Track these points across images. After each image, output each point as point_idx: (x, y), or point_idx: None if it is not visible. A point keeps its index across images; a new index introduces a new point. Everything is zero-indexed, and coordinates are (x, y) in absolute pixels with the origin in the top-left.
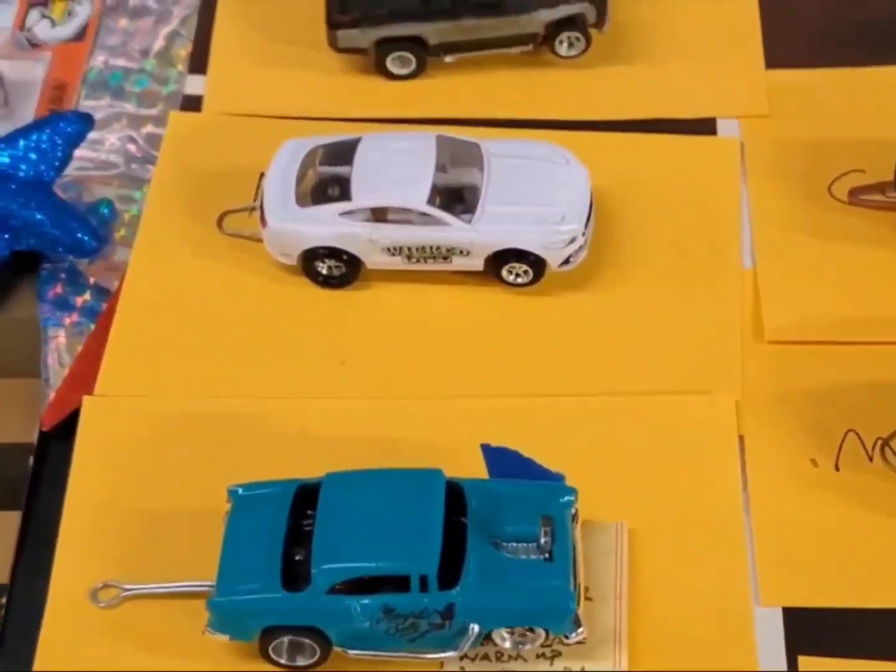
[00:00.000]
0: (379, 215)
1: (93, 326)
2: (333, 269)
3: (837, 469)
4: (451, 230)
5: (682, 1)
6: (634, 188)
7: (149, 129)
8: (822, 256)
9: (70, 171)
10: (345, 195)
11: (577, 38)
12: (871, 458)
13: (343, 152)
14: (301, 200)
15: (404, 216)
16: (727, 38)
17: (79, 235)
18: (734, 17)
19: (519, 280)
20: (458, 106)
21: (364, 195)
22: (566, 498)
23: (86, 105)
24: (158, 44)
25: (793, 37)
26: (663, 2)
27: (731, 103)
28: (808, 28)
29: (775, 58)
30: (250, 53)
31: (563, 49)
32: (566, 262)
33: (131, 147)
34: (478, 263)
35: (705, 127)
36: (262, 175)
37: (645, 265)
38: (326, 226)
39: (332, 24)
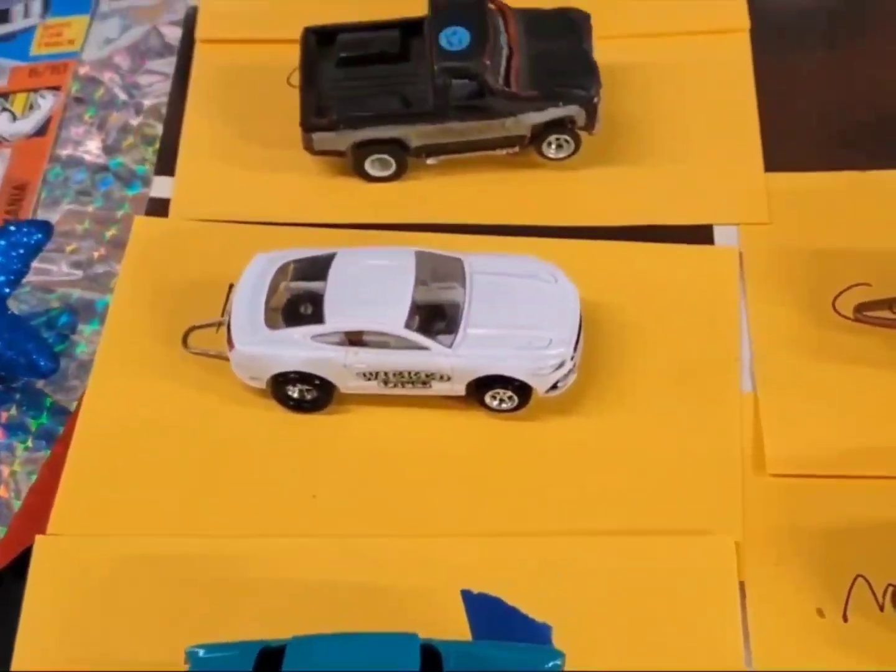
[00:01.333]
0: (354, 338)
1: (48, 452)
2: (305, 393)
3: (846, 620)
4: (430, 355)
5: (676, 101)
6: (626, 302)
7: (113, 232)
8: (827, 379)
9: (28, 276)
10: (317, 317)
11: (567, 141)
12: (881, 608)
13: (316, 269)
14: (271, 321)
15: (381, 339)
16: (724, 138)
17: (34, 357)
18: (732, 118)
19: (503, 406)
20: (440, 210)
21: (338, 318)
22: (552, 664)
23: (47, 205)
24: (125, 141)
25: (793, 137)
26: (657, 102)
27: (729, 209)
28: (808, 128)
29: (775, 159)
30: (221, 154)
31: (551, 151)
32: (554, 387)
33: (94, 252)
34: (459, 388)
35: (702, 234)
36: (231, 286)
37: (637, 388)
38: (297, 349)
39: (308, 127)
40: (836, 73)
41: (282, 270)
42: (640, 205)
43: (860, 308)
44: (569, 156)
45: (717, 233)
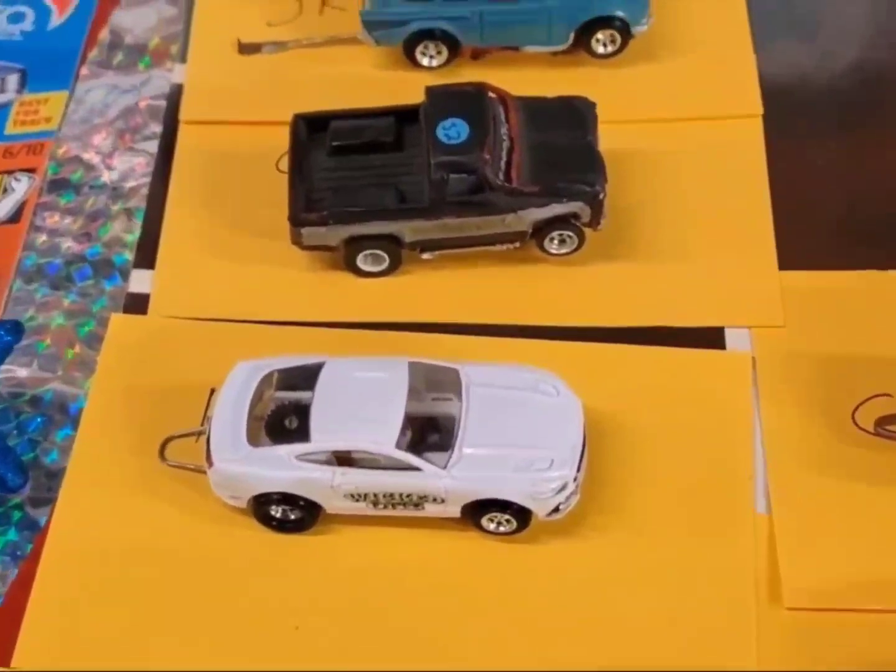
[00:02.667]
0: (342, 457)
1: (16, 572)
2: (289, 512)
3: None
4: (423, 476)
5: (685, 191)
6: (631, 411)
7: (89, 328)
8: (848, 501)
9: None
10: (303, 434)
11: (570, 237)
12: None
13: (303, 379)
14: (253, 436)
15: (371, 458)
16: (736, 232)
17: (1, 472)
18: (744, 210)
19: (501, 529)
20: (435, 308)
21: (325, 436)
22: None
23: (19, 298)
24: (103, 228)
25: (809, 232)
26: (665, 191)
27: (742, 310)
28: (825, 221)
29: (790, 256)
30: (204, 245)
31: (553, 247)
32: (555, 510)
33: (68, 350)
34: (454, 511)
35: (713, 337)
36: (212, 391)
37: (643, 508)
38: (281, 469)
39: (297, 222)
40: (854, 162)
41: (266, 379)
42: (647, 304)
43: (881, 422)
44: (572, 251)
45: (729, 335)
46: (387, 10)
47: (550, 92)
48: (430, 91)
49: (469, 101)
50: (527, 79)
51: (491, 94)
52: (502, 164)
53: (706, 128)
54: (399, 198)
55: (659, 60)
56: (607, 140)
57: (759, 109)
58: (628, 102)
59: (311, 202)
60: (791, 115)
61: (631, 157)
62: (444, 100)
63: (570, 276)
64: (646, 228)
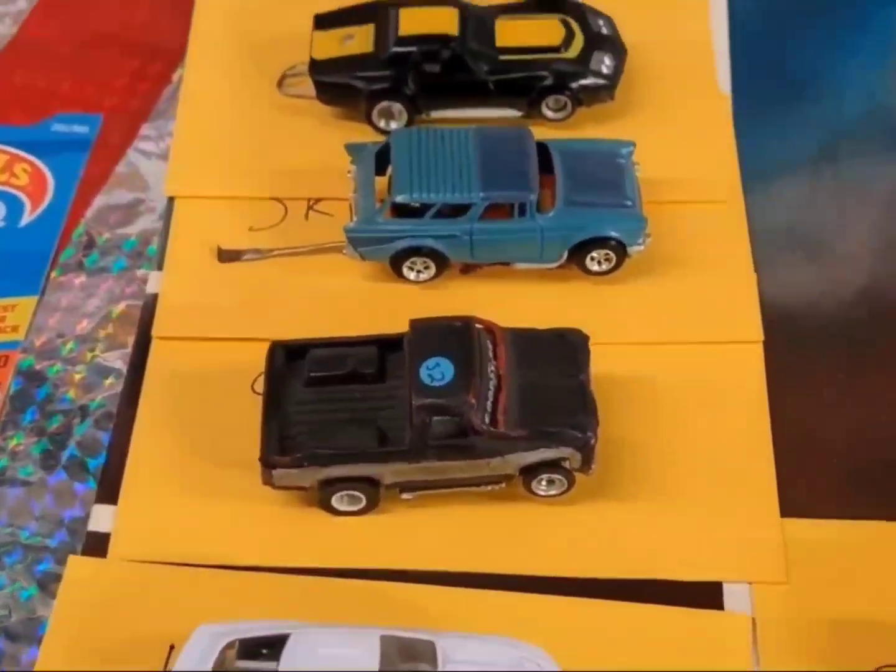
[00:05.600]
0: None
1: None
2: None
3: None
4: None
5: (681, 421)
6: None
7: (46, 568)
8: None
9: None
10: None
11: (559, 479)
12: None
13: (267, 650)
14: None
15: None
16: (734, 475)
17: None
18: (742, 448)
19: None
20: (414, 554)
21: None
22: None
23: None
24: (64, 454)
25: (812, 474)
26: (656, 430)
27: (741, 564)
28: (829, 463)
29: (791, 501)
30: (171, 479)
31: (540, 488)
32: None
33: (23, 588)
34: None
35: (710, 593)
36: (172, 647)
37: None
38: None
39: (268, 464)
40: (860, 398)
41: (228, 648)
42: (638, 554)
43: None
44: (561, 494)
45: (727, 592)
46: (373, 227)
47: (542, 307)
48: (415, 326)
49: (455, 338)
50: (518, 293)
51: (478, 325)
52: (488, 405)
53: (703, 352)
54: (379, 436)
55: (655, 278)
56: (599, 362)
57: (760, 336)
58: (622, 322)
59: (285, 439)
60: (793, 342)
61: (623, 382)
62: (429, 336)
63: (557, 519)
64: (637, 465)
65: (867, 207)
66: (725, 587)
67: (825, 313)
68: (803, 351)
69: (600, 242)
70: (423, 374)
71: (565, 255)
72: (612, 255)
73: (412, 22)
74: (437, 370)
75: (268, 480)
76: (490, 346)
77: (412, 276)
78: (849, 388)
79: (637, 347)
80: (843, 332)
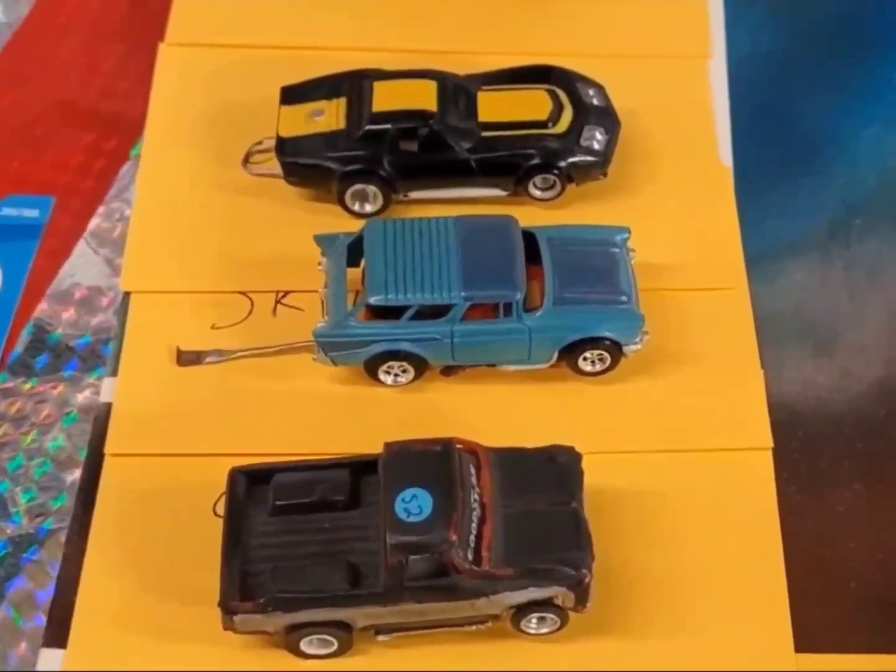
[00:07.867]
0: None
1: None
2: None
3: None
4: None
5: (683, 546)
6: None
7: None
8: None
9: None
10: None
11: (552, 619)
12: None
13: None
14: None
15: None
16: (745, 606)
17: None
18: (752, 572)
19: None
20: None
21: None
22: None
23: None
24: (11, 584)
25: (827, 600)
26: (655, 553)
27: None
28: (845, 589)
29: (805, 632)
30: (127, 620)
31: (531, 627)
32: None
33: None
34: None
35: None
36: None
37: None
38: None
39: (228, 610)
40: (879, 514)
41: None
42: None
43: None
44: (553, 632)
45: None
46: (344, 331)
47: (530, 412)
48: (390, 450)
49: (433, 466)
50: (504, 395)
51: (459, 445)
52: (471, 539)
53: (707, 461)
54: (351, 574)
55: (653, 379)
56: (592, 473)
57: (769, 442)
58: (617, 428)
59: (248, 576)
60: (805, 448)
61: (617, 496)
62: (405, 463)
63: (551, 658)
64: (634, 594)
65: (881, 292)
66: None
67: (838, 412)
68: (815, 457)
69: (593, 342)
70: (399, 507)
71: (556, 355)
72: (606, 355)
73: (387, 96)
74: (414, 503)
75: (229, 626)
76: (473, 471)
77: (389, 380)
78: (864, 504)
79: (633, 456)
80: (858, 433)
